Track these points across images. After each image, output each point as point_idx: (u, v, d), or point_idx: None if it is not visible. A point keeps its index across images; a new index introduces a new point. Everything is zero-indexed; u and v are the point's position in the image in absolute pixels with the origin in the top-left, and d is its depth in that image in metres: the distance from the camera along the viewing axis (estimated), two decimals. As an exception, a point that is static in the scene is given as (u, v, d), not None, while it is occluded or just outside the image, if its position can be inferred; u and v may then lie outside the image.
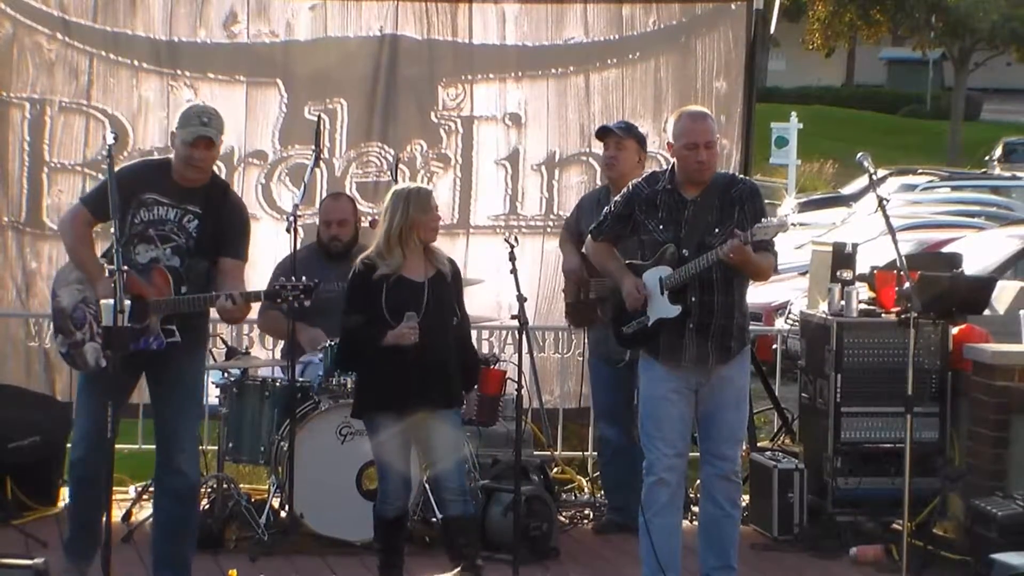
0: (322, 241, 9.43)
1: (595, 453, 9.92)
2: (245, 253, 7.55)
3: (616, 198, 7.76)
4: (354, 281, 7.76)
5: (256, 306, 9.51)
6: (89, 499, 7.40)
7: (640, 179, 7.69)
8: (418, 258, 7.69)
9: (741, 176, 7.74)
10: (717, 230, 7.39)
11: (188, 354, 7.46)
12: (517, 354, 8.20)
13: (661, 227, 7.48)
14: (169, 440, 7.49)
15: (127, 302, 6.67)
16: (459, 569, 7.74)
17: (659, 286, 7.46)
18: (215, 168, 7.73)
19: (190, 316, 7.39)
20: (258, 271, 9.27)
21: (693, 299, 7.43)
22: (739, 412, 7.67)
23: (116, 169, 7.32)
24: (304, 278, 7.68)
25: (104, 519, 6.83)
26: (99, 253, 7.58)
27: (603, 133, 9.21)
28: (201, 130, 7.37)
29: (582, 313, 9.19)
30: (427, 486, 8.37)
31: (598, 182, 10.13)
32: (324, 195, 9.82)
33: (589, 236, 7.83)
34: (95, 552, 7.29)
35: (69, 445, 8.06)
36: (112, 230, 6.89)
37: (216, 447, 9.17)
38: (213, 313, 7.56)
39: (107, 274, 7.04)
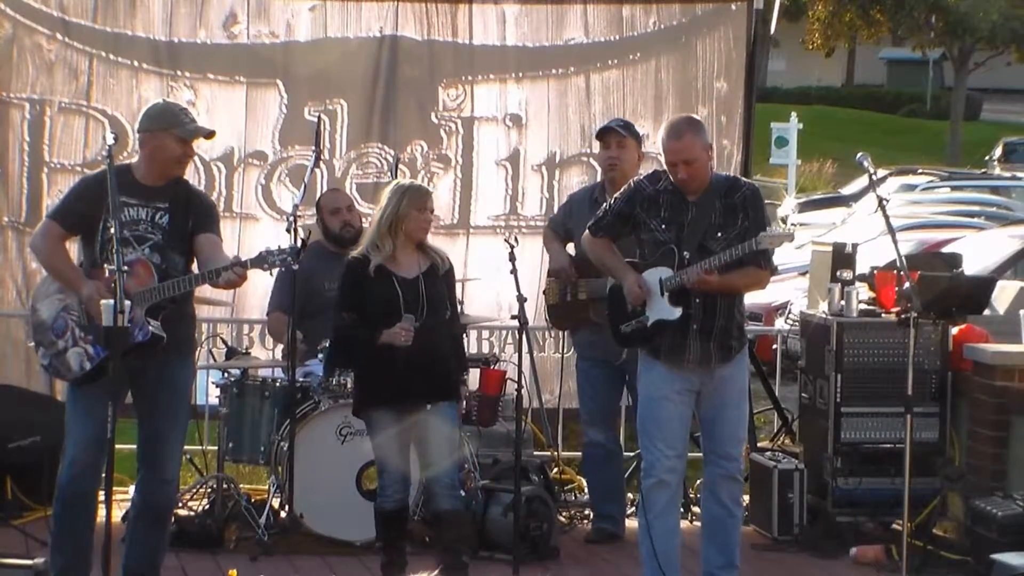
0: (332, 232, 9.38)
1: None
2: (220, 233, 7.45)
3: (617, 195, 7.71)
4: (347, 278, 7.78)
5: (264, 307, 9.55)
6: (84, 517, 7.29)
7: (642, 177, 7.66)
8: (410, 254, 7.72)
9: (744, 180, 7.69)
10: (720, 234, 7.38)
11: (180, 361, 7.38)
12: (517, 354, 8.21)
13: (664, 226, 7.46)
14: (157, 446, 7.36)
15: (127, 302, 6.66)
16: (441, 568, 7.75)
17: (659, 287, 7.45)
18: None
19: (180, 324, 7.30)
20: (258, 271, 9.26)
21: (697, 300, 7.40)
22: (741, 411, 7.68)
23: (80, 180, 7.24)
24: (288, 243, 7.46)
25: (106, 519, 6.81)
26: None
27: (604, 133, 9.14)
28: (199, 128, 7.29)
29: (568, 315, 9.10)
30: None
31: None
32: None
33: (587, 231, 7.78)
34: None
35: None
36: (112, 230, 6.85)
37: (216, 447, 9.18)
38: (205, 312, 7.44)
39: (107, 274, 7.02)
